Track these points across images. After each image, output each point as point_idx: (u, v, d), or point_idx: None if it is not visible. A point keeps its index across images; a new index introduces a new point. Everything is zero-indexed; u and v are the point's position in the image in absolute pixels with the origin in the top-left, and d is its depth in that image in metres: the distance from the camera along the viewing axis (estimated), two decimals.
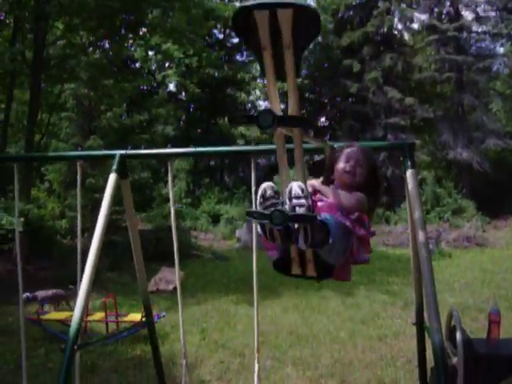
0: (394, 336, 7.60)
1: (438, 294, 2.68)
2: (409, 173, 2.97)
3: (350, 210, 2.58)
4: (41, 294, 8.50)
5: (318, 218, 2.23)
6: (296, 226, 2.17)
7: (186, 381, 3.87)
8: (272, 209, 2.15)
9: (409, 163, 2.99)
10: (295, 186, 2.19)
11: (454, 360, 3.60)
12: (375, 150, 3.14)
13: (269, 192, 2.23)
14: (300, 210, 2.14)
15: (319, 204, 2.57)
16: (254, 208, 2.32)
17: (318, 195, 2.68)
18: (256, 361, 3.21)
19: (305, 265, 2.50)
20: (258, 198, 2.25)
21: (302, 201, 2.15)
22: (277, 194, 2.25)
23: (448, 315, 4.13)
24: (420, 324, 3.92)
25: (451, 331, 4.00)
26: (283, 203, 2.21)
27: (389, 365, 6.34)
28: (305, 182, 2.28)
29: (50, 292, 8.70)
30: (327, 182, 2.84)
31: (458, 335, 3.60)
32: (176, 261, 3.51)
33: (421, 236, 2.74)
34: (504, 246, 18.47)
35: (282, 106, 2.35)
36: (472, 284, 11.57)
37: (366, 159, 2.83)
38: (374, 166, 2.86)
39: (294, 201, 2.16)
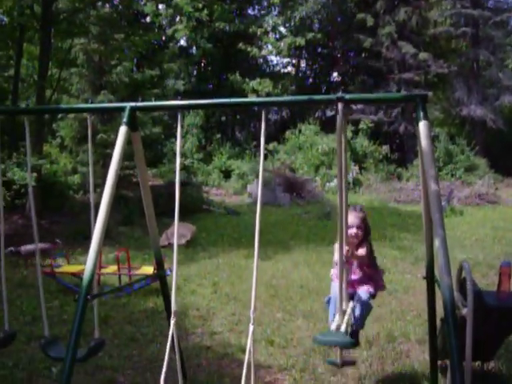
0: (404, 290, 7.66)
1: (449, 250, 2.69)
2: (421, 124, 2.94)
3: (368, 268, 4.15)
4: (25, 247, 8.68)
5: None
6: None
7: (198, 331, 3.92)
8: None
9: (421, 114, 2.95)
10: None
11: (464, 311, 3.61)
12: (388, 102, 3.13)
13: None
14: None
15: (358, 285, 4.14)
16: None
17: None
18: (252, 322, 3.20)
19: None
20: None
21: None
22: None
23: (459, 267, 4.13)
24: (430, 278, 3.94)
25: (461, 283, 4.01)
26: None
27: (398, 318, 6.41)
28: None
29: (33, 246, 8.82)
30: None
31: (469, 286, 3.60)
32: (176, 217, 3.48)
33: (433, 185, 2.72)
34: None
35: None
36: (483, 241, 11.58)
37: (361, 220, 4.08)
38: (366, 218, 4.18)
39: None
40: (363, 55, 30.42)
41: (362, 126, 25.89)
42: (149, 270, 7.41)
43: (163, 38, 28.32)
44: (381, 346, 5.54)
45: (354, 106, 21.76)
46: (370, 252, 4.14)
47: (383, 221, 14.06)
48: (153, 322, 6.34)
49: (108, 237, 8.97)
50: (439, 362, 4.49)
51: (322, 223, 13.67)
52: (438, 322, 4.29)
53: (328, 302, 4.20)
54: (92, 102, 14.35)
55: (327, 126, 25.64)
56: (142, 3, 23.85)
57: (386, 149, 25.39)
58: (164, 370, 3.24)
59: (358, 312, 3.96)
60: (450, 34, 28.85)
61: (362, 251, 4.02)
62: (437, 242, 2.65)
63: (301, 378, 4.85)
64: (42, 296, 4.15)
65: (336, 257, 3.93)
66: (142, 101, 15.20)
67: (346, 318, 3.54)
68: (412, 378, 4.84)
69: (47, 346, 3.98)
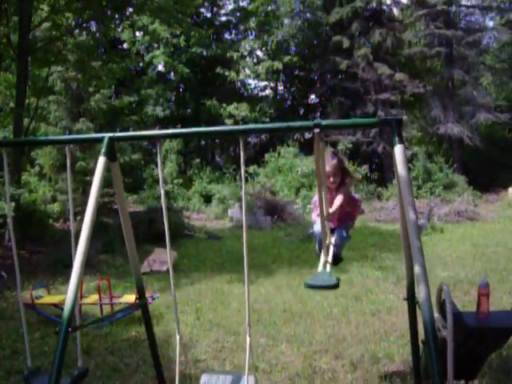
0: (387, 311, 7.66)
1: (429, 268, 2.73)
2: (397, 148, 2.98)
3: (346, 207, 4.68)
4: None
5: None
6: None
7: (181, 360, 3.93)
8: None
9: (397, 138, 2.99)
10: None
11: (444, 333, 3.64)
12: (364, 127, 3.19)
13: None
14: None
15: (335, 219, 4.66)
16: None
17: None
18: (248, 334, 3.30)
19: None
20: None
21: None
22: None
23: (438, 289, 4.17)
24: (411, 299, 3.97)
25: (441, 305, 4.04)
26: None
27: (382, 339, 6.41)
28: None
29: None
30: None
31: (448, 308, 3.64)
32: (167, 243, 3.53)
33: (410, 213, 2.75)
34: (495, 219, 18.62)
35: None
36: (464, 258, 11.66)
37: (334, 168, 4.56)
38: (341, 165, 4.65)
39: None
40: (340, 77, 30.69)
41: (340, 147, 26.06)
42: (131, 298, 7.35)
43: (141, 65, 28.43)
44: (365, 368, 5.53)
45: None
46: (347, 193, 4.71)
47: (364, 241, 14.11)
48: (136, 351, 6.27)
49: (88, 265, 8.90)
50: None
51: (304, 246, 13.68)
52: (421, 343, 4.32)
53: (310, 234, 5.03)
54: (70, 130, 14.34)
55: (306, 148, 25.77)
56: (119, 30, 23.98)
57: (365, 169, 25.58)
58: None
59: (338, 242, 4.60)
60: (424, 54, 29.25)
61: (337, 201, 4.56)
62: (416, 269, 2.67)
63: None
64: (24, 327, 4.11)
65: (314, 198, 4.75)
66: (121, 128, 15.23)
67: (330, 253, 4.34)
68: None
69: (30, 377, 3.94)
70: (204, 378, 4.06)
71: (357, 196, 5.06)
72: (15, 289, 6.03)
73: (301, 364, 5.70)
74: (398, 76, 27.23)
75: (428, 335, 2.55)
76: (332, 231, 4.61)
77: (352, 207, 4.84)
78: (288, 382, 5.26)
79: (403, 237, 3.50)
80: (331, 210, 4.45)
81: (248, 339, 3.48)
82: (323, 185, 3.82)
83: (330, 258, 4.27)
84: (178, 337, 3.75)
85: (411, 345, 4.28)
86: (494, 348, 4.33)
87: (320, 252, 4.43)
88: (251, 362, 3.52)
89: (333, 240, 4.52)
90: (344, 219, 4.75)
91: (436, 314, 3.93)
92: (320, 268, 4.17)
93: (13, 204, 11.65)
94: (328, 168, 4.39)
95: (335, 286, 3.89)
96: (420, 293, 2.64)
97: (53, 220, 16.00)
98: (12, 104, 18.12)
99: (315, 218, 4.80)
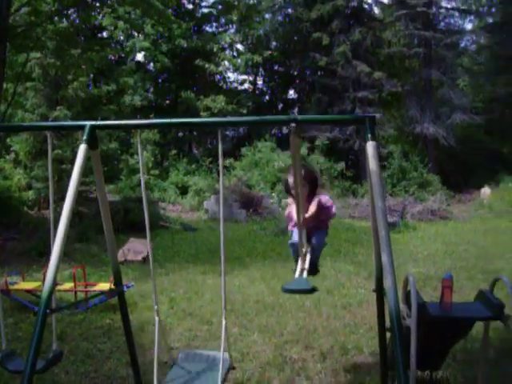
0: (357, 304, 7.83)
1: (400, 264, 2.87)
2: (369, 144, 3.10)
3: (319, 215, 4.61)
4: None
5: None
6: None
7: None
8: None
9: (369, 135, 3.11)
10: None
11: (409, 321, 3.79)
12: (339, 123, 3.29)
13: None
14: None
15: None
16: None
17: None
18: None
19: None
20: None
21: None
22: None
23: (404, 280, 4.33)
24: (379, 291, 4.11)
25: (407, 295, 4.19)
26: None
27: (352, 332, 6.56)
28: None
29: None
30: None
31: (412, 297, 3.79)
32: (148, 233, 3.63)
33: (379, 203, 2.87)
34: (467, 219, 18.97)
35: None
36: (435, 255, 11.88)
37: (306, 174, 4.39)
38: (311, 173, 4.71)
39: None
40: (319, 73, 30.87)
41: (317, 143, 26.26)
42: (105, 286, 7.40)
43: (121, 54, 28.24)
44: (334, 358, 5.68)
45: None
46: (319, 202, 4.60)
47: (338, 236, 14.27)
48: (109, 338, 6.34)
49: (64, 253, 8.92)
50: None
51: (279, 239, 13.81)
52: (387, 331, 4.47)
53: (291, 244, 4.68)
54: (47, 117, 14.27)
55: (283, 143, 25.90)
56: (100, 17, 23.81)
57: (341, 165, 25.82)
58: None
59: (315, 247, 4.65)
60: (403, 54, 29.54)
61: (312, 209, 4.50)
62: (384, 258, 2.79)
63: None
64: (0, 312, 4.16)
65: (287, 211, 4.78)
66: (100, 116, 15.19)
67: (307, 260, 4.38)
68: None
69: (5, 360, 4.00)
70: (181, 354, 4.16)
71: (328, 202, 4.80)
72: None
73: (272, 353, 5.82)
74: (377, 74, 27.43)
75: (393, 322, 2.67)
76: (308, 239, 4.60)
77: (325, 214, 4.79)
78: (259, 370, 5.38)
79: (373, 230, 3.63)
80: (306, 215, 4.43)
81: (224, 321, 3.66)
82: (299, 184, 3.76)
83: (306, 265, 4.33)
84: (156, 319, 3.90)
85: (378, 335, 4.43)
86: (457, 339, 4.49)
87: (297, 261, 4.45)
88: (226, 345, 3.63)
89: (308, 249, 4.55)
90: (319, 226, 4.75)
91: (402, 305, 4.08)
92: (297, 275, 4.25)
93: None
94: (290, 179, 4.42)
95: (311, 291, 3.90)
96: (386, 281, 2.76)
97: (27, 207, 15.90)
98: None
99: (291, 228, 4.85)
